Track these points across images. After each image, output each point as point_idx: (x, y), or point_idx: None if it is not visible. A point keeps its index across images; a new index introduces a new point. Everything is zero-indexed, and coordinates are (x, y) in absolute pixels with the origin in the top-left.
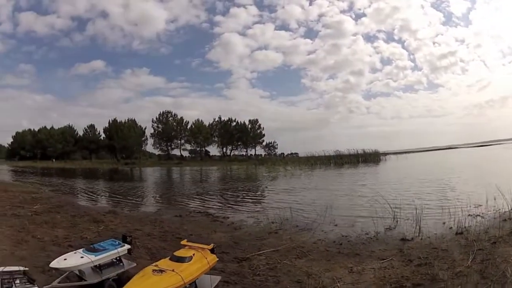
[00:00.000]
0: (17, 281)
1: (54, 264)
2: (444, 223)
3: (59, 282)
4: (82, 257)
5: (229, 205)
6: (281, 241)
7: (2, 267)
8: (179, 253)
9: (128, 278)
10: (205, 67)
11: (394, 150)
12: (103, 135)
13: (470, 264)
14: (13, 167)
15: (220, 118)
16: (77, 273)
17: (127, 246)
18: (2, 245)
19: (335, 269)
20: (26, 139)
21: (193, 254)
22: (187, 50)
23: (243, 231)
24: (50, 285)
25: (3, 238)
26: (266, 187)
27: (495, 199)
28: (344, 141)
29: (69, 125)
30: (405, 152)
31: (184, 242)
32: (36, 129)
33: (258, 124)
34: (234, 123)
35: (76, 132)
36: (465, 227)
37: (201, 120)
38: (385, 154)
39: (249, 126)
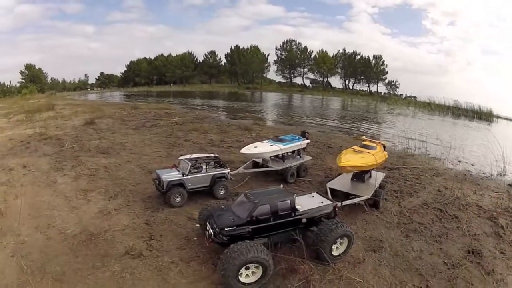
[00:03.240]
0: (205, 166)
1: (244, 150)
2: None
3: (244, 168)
4: (271, 145)
5: (366, 128)
6: (419, 162)
7: (189, 155)
8: (366, 143)
9: (306, 169)
10: None
11: (505, 115)
12: (224, 61)
13: None
14: (129, 92)
15: (344, 50)
16: (259, 161)
17: (307, 141)
18: (155, 149)
19: (463, 189)
20: (141, 67)
21: (376, 146)
22: None
23: None
24: (236, 171)
25: (152, 143)
26: (394, 121)
27: None
28: (460, 93)
29: (188, 52)
30: None
31: (363, 138)
32: (152, 57)
33: (382, 60)
34: (359, 57)
35: (195, 58)
36: None
37: (325, 50)
38: (498, 116)
39: (373, 61)
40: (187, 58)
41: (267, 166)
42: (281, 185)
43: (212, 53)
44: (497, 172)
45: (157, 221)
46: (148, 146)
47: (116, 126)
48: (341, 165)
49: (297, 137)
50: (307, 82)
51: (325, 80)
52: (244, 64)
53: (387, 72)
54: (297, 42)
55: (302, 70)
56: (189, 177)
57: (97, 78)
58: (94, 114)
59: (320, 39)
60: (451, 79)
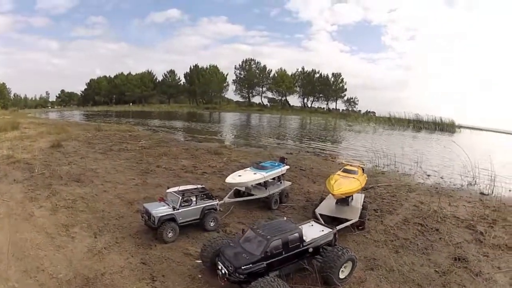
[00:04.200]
0: (194, 198)
1: (230, 180)
2: (510, 190)
3: (229, 197)
4: (255, 173)
5: (330, 149)
6: (390, 180)
7: (178, 187)
8: (348, 168)
9: (287, 194)
10: (284, 17)
11: (467, 124)
12: (183, 80)
13: None
14: (89, 111)
15: (303, 68)
16: (242, 189)
17: (287, 166)
18: (129, 176)
19: (438, 202)
20: (102, 85)
21: (357, 170)
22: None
23: None
24: (222, 201)
25: (124, 170)
26: (357, 139)
27: None
28: (420, 106)
29: (147, 71)
30: (478, 129)
31: (342, 162)
32: (112, 76)
33: (341, 78)
34: (317, 75)
35: (155, 77)
36: None
37: (284, 69)
38: (460, 126)
39: (332, 79)
40: (147, 77)
41: (249, 194)
42: (285, 218)
43: (172, 72)
44: (467, 182)
45: (154, 259)
46: (120, 173)
47: (84, 149)
48: (335, 193)
49: (276, 163)
50: (265, 101)
51: (283, 98)
52: (203, 84)
53: (346, 89)
54: (256, 61)
55: (261, 89)
56: (180, 211)
57: (58, 95)
58: (60, 136)
59: (278, 57)
60: (411, 93)
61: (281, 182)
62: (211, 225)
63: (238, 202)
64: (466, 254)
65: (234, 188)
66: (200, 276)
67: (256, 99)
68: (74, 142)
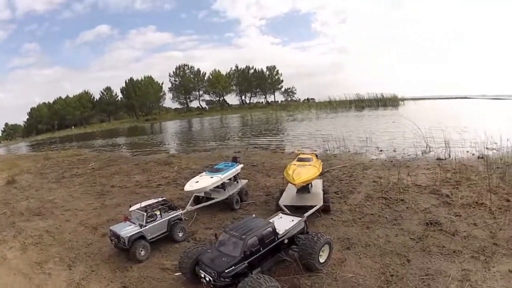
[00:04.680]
0: (158, 212)
1: (188, 188)
2: (467, 151)
3: (190, 205)
4: (211, 177)
5: (277, 142)
6: (343, 161)
7: (139, 204)
8: (302, 156)
9: (247, 192)
10: (212, 18)
11: (411, 96)
12: (120, 96)
13: (491, 173)
14: (34, 141)
15: (237, 66)
16: (202, 194)
17: (241, 165)
18: (87, 201)
19: (396, 174)
20: (42, 113)
21: (311, 157)
22: (192, 3)
23: None
24: (185, 210)
25: (80, 196)
26: (300, 128)
27: (507, 140)
28: (360, 85)
29: (85, 91)
30: (422, 99)
31: (295, 151)
32: (51, 102)
33: (276, 70)
34: (252, 70)
35: (92, 97)
36: (484, 154)
37: (218, 70)
38: (403, 99)
39: (267, 72)
40: (85, 98)
41: (209, 198)
42: (253, 215)
43: (108, 89)
44: (421, 151)
45: (133, 281)
46: (78, 199)
47: (37, 181)
48: (296, 182)
49: (230, 164)
50: (204, 104)
51: (221, 99)
52: (140, 96)
53: (282, 81)
54: (189, 66)
55: (198, 93)
56: (147, 227)
57: (3, 130)
58: (12, 171)
59: (211, 59)
60: (348, 74)
61: (237, 181)
62: (180, 235)
63: (201, 208)
64: (437, 218)
65: (194, 195)
66: None
67: (194, 104)
68: (27, 175)
